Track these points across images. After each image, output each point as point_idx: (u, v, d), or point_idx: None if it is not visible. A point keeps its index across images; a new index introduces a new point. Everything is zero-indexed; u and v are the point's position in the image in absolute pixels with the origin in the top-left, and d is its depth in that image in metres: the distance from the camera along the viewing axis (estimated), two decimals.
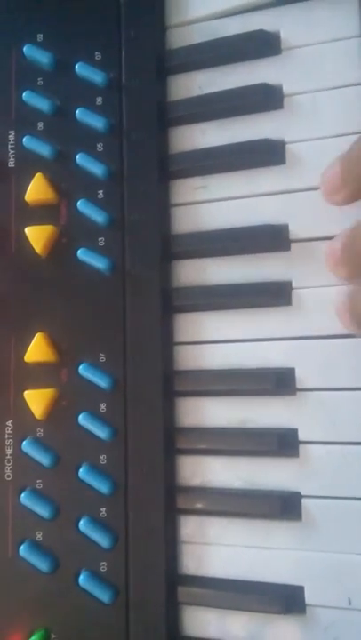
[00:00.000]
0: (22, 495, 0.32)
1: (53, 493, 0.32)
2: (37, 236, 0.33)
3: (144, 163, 0.33)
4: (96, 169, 0.33)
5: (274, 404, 0.31)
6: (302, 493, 0.30)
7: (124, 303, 0.32)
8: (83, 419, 0.32)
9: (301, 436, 0.30)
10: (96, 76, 0.34)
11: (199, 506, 0.31)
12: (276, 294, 0.31)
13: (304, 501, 0.30)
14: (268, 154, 0.31)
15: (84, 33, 0.34)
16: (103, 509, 0.31)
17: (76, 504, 0.31)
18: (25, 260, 0.33)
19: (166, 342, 0.32)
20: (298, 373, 0.30)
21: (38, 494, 0.32)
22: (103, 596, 0.30)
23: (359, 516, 0.29)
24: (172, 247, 0.33)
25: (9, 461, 0.32)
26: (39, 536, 0.32)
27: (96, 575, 0.31)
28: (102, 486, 0.31)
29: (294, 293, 0.31)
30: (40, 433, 0.32)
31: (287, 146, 0.32)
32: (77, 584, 0.31)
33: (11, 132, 0.34)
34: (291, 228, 0.31)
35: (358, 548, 0.29)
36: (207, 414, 0.32)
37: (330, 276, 0.30)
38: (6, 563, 0.31)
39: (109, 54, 0.34)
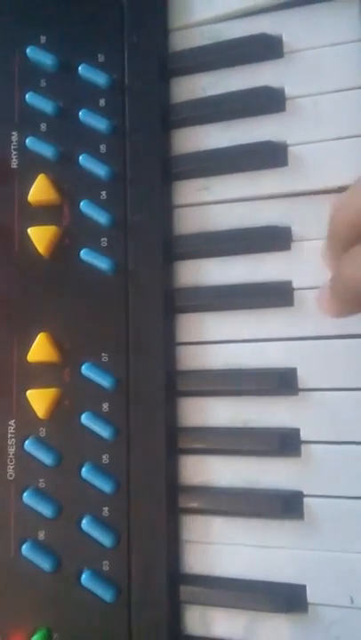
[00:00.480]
0: (25, 494, 0.32)
1: (56, 493, 0.32)
2: (40, 236, 0.33)
3: (147, 164, 0.33)
4: (99, 170, 0.33)
5: (276, 404, 0.31)
6: (304, 493, 0.30)
7: (127, 303, 0.32)
8: (85, 418, 0.32)
9: (303, 436, 0.30)
10: (99, 78, 0.34)
11: (201, 505, 0.31)
12: (278, 295, 0.31)
13: (306, 500, 0.30)
14: (270, 156, 0.32)
15: (87, 35, 0.35)
16: (105, 508, 0.31)
17: (78, 503, 0.32)
18: (28, 260, 0.34)
19: (169, 342, 0.32)
20: (300, 373, 0.31)
21: (41, 493, 0.32)
22: (105, 594, 0.31)
23: (359, 514, 0.29)
24: (174, 248, 0.33)
25: (11, 461, 0.32)
26: (41, 535, 0.32)
27: (98, 574, 0.31)
28: (105, 485, 0.31)
29: (296, 294, 0.31)
30: (42, 432, 0.32)
31: (289, 148, 0.32)
32: (80, 583, 0.31)
33: (14, 133, 0.35)
34: (293, 229, 0.31)
35: (359, 546, 0.29)
36: (209, 414, 0.32)
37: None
38: (8, 562, 0.31)
39: (112, 56, 0.34)
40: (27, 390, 0.32)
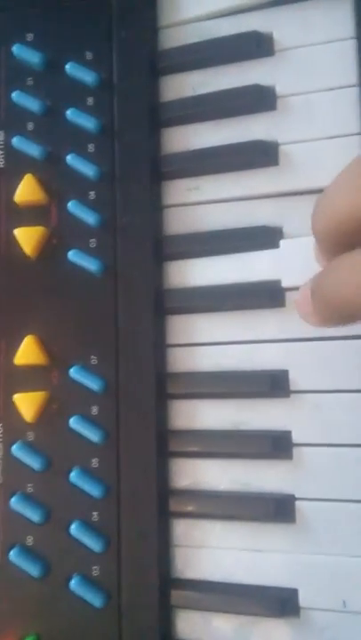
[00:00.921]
0: (12, 499, 0.31)
1: (44, 497, 0.31)
2: (27, 237, 0.33)
3: (136, 164, 0.33)
4: (87, 170, 0.33)
5: (267, 407, 0.31)
6: (296, 496, 0.30)
7: (116, 305, 0.32)
8: (74, 422, 0.31)
9: (295, 439, 0.30)
10: (87, 76, 0.33)
11: (192, 509, 0.31)
12: (269, 296, 0.31)
13: (298, 504, 0.30)
14: (261, 155, 0.31)
15: (74, 33, 0.34)
16: (95, 513, 0.31)
17: (67, 508, 0.31)
18: (15, 261, 0.33)
19: (158, 344, 0.32)
20: (292, 375, 0.30)
21: (29, 498, 0.31)
22: (95, 600, 0.30)
23: (353, 518, 0.29)
24: (164, 248, 0.33)
25: None
26: (30, 541, 0.31)
27: (88, 579, 0.30)
28: (94, 490, 0.31)
29: (288, 295, 0.31)
30: (30, 436, 0.32)
31: (280, 147, 0.32)
32: (69, 589, 0.30)
33: (0, 132, 0.34)
34: (284, 229, 0.31)
35: (352, 550, 0.28)
36: (200, 417, 0.32)
37: None
38: None
39: (101, 54, 0.34)
40: (14, 394, 0.32)
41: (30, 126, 0.34)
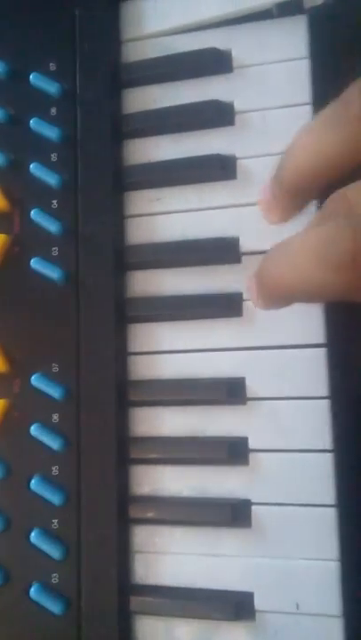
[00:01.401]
0: None
1: (4, 505, 0.31)
2: None
3: (98, 174, 0.33)
4: (50, 179, 0.33)
5: (225, 414, 0.31)
6: (252, 501, 0.30)
7: (78, 313, 0.32)
8: (35, 429, 0.32)
9: (252, 445, 0.31)
10: (50, 87, 0.34)
11: (151, 515, 0.31)
12: (227, 306, 0.32)
13: (254, 508, 0.30)
14: (219, 169, 0.32)
15: (38, 43, 0.34)
16: (55, 521, 0.31)
17: (27, 516, 0.31)
18: None
19: (120, 352, 0.32)
20: (248, 383, 0.31)
21: None
22: (55, 607, 0.30)
23: (306, 521, 0.29)
24: (125, 258, 0.33)
25: None
26: None
27: (47, 587, 0.31)
28: (54, 497, 0.31)
29: (245, 305, 0.32)
30: None
31: (238, 161, 0.32)
32: (28, 596, 0.30)
33: None
34: (241, 241, 0.32)
35: (305, 553, 0.29)
36: (160, 424, 0.32)
37: None
38: None
39: (64, 65, 0.34)
40: None
41: None
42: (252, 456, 0.31)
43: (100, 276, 0.32)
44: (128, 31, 0.35)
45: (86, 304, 0.32)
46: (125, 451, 0.32)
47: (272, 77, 0.32)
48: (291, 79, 0.32)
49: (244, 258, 0.32)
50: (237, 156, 0.32)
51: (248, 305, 0.32)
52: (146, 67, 0.34)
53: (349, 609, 0.29)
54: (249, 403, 0.31)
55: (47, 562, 0.31)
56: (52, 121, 0.34)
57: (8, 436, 0.32)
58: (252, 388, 0.31)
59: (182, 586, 0.31)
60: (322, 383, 0.30)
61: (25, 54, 0.34)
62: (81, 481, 0.31)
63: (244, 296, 0.32)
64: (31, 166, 0.33)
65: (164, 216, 0.33)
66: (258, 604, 0.30)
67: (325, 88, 0.32)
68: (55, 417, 0.32)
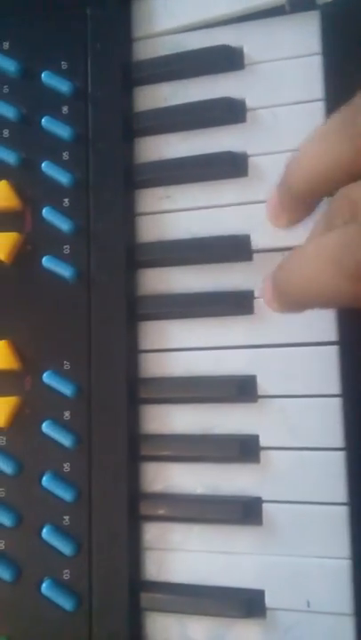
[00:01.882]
0: None
1: (16, 502, 0.32)
2: (2, 243, 0.33)
3: (109, 172, 0.33)
4: (61, 177, 0.33)
5: (236, 411, 0.31)
6: (263, 498, 0.30)
7: (89, 311, 0.32)
8: (46, 427, 0.32)
9: (263, 442, 0.31)
10: (62, 86, 0.34)
11: (162, 512, 0.31)
12: (238, 303, 0.32)
13: (265, 506, 0.30)
14: (230, 166, 0.32)
15: (50, 42, 0.35)
16: (66, 517, 0.31)
17: (38, 512, 0.31)
18: None
19: (131, 350, 0.32)
20: (259, 381, 0.31)
21: (1, 503, 0.32)
22: (66, 603, 0.30)
23: (318, 519, 0.29)
24: (136, 256, 0.33)
25: None
26: (1, 545, 0.31)
27: (59, 583, 0.31)
28: (65, 494, 0.31)
29: (256, 302, 0.32)
30: (3, 441, 0.32)
31: (249, 159, 0.32)
32: (40, 592, 0.31)
33: None
34: (253, 238, 0.32)
35: (317, 551, 0.29)
36: (171, 421, 0.32)
37: None
38: None
39: (75, 64, 0.34)
40: None
41: (6, 133, 0.34)
42: (263, 454, 0.31)
43: (111, 274, 0.32)
44: (139, 29, 0.35)
45: (97, 302, 0.32)
46: (136, 448, 0.32)
47: (284, 74, 0.32)
48: (303, 76, 0.32)
49: (255, 255, 0.32)
50: (249, 153, 0.32)
51: (259, 302, 0.32)
52: (157, 65, 0.34)
53: None
54: (260, 400, 0.31)
55: (58, 558, 0.31)
56: (63, 119, 0.34)
57: (20, 433, 0.32)
58: (263, 385, 0.31)
59: (193, 583, 0.31)
60: (334, 381, 0.30)
61: (36, 53, 0.35)
62: (92, 478, 0.31)
63: (256, 294, 0.32)
64: (43, 165, 0.34)
65: (175, 214, 0.33)
66: (269, 601, 0.30)
67: (338, 84, 0.31)
68: (67, 414, 0.32)
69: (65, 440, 0.31)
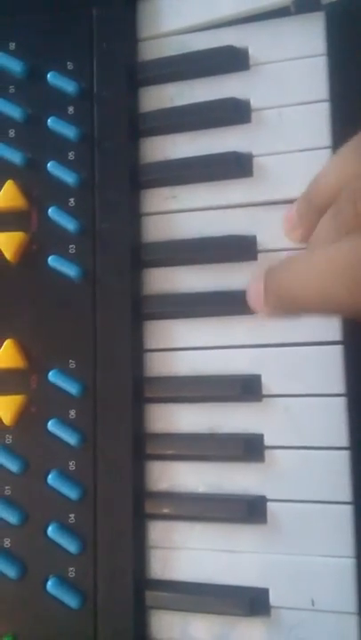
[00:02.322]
0: None
1: (22, 500, 0.32)
2: (8, 242, 0.33)
3: (115, 172, 0.33)
4: (67, 177, 0.33)
5: (240, 410, 0.31)
6: (268, 497, 0.30)
7: (95, 310, 0.33)
8: (52, 425, 0.32)
9: (267, 442, 0.31)
10: (68, 86, 0.34)
11: (167, 511, 0.31)
12: (243, 303, 0.32)
13: (269, 505, 0.30)
14: (236, 166, 0.32)
15: (56, 42, 0.35)
16: (72, 515, 0.31)
17: (44, 510, 0.32)
18: None
19: (136, 349, 0.33)
20: (264, 380, 0.31)
21: (6, 501, 0.32)
22: (71, 601, 0.31)
23: (322, 518, 0.29)
24: (142, 255, 0.33)
25: None
26: (7, 543, 0.32)
27: (64, 581, 0.31)
28: (71, 492, 0.31)
29: None
30: (9, 439, 0.32)
31: (255, 159, 0.32)
32: (45, 590, 0.31)
33: None
34: (258, 238, 0.32)
35: (321, 550, 0.29)
36: (176, 420, 0.32)
37: None
38: None
39: (81, 64, 0.34)
40: None
41: (12, 133, 0.35)
42: (267, 453, 0.31)
43: (116, 274, 0.33)
44: (145, 30, 0.35)
45: (103, 301, 0.33)
46: (141, 447, 0.32)
47: (289, 74, 0.32)
48: (308, 76, 0.32)
49: (260, 256, 0.32)
50: (254, 153, 0.32)
51: None
52: (162, 65, 0.34)
53: None
54: (264, 400, 0.31)
55: (64, 556, 0.31)
56: (69, 120, 0.34)
57: (26, 431, 0.32)
58: (268, 385, 0.31)
59: (197, 581, 0.31)
60: (338, 380, 0.30)
61: (42, 53, 0.35)
62: (97, 476, 0.31)
63: None
64: (48, 165, 0.34)
65: (181, 214, 0.33)
66: (273, 600, 0.30)
67: (343, 85, 0.32)
68: (72, 413, 0.32)
69: (70, 438, 0.32)
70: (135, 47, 0.35)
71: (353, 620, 0.29)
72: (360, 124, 0.26)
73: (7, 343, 0.33)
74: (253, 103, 0.33)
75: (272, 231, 0.32)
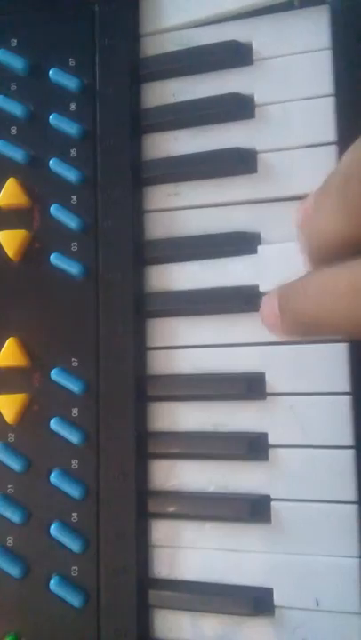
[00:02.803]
0: None
1: (25, 498, 0.32)
2: (10, 240, 0.33)
3: (117, 169, 0.33)
4: (69, 174, 0.33)
5: (244, 409, 0.31)
6: (272, 496, 0.30)
7: (97, 308, 0.32)
8: (54, 423, 0.32)
9: (271, 440, 0.31)
10: (70, 82, 0.34)
11: (170, 510, 0.31)
12: (247, 300, 0.31)
13: (273, 504, 0.30)
14: (239, 162, 0.32)
15: (58, 39, 0.35)
16: (74, 514, 0.31)
17: (47, 509, 0.31)
18: None
19: (139, 347, 0.32)
20: (268, 378, 0.31)
21: (9, 499, 0.32)
22: (74, 600, 0.31)
23: (326, 518, 0.29)
24: (144, 253, 0.33)
25: None
26: (10, 541, 0.31)
27: (67, 580, 0.31)
28: (74, 491, 0.31)
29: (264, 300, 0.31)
30: (11, 438, 0.32)
31: (258, 155, 0.32)
32: (48, 589, 0.31)
33: None
34: (262, 235, 0.32)
35: (325, 549, 0.29)
36: (179, 418, 0.32)
37: None
38: None
39: (83, 61, 0.34)
40: None
41: (14, 131, 0.34)
42: (271, 452, 0.30)
43: (119, 271, 0.32)
44: (147, 25, 0.35)
45: (105, 299, 0.32)
46: (144, 445, 0.32)
47: (293, 69, 0.32)
48: (312, 71, 0.32)
49: (263, 252, 0.32)
50: (258, 149, 0.32)
51: None
52: (165, 60, 0.34)
53: None
54: (269, 398, 0.31)
55: (67, 555, 0.31)
56: (71, 116, 0.34)
57: (28, 429, 0.32)
58: (272, 383, 0.31)
59: (201, 580, 0.31)
60: (343, 379, 0.30)
61: (44, 50, 0.35)
62: (100, 475, 0.31)
63: (263, 290, 0.31)
64: (51, 162, 0.34)
65: (184, 211, 0.33)
66: (277, 599, 0.29)
67: (348, 79, 0.31)
68: (75, 411, 0.32)
69: (73, 437, 0.32)
70: (137, 43, 0.35)
71: (357, 620, 0.28)
72: None
73: (9, 341, 0.32)
74: (257, 98, 0.32)
75: (276, 228, 0.31)
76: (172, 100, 0.34)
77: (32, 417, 0.32)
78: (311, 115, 0.31)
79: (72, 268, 0.33)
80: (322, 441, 0.30)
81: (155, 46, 0.34)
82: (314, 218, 0.23)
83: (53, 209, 0.33)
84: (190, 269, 0.33)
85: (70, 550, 0.31)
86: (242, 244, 0.32)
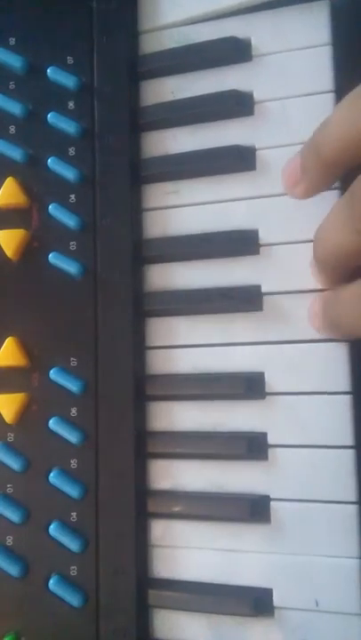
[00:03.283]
0: None
1: (24, 498, 0.32)
2: (8, 239, 0.33)
3: (116, 167, 0.33)
4: (68, 173, 0.33)
5: (244, 408, 0.31)
6: (271, 496, 0.30)
7: (96, 307, 0.32)
8: (53, 423, 0.32)
9: (271, 440, 0.30)
10: (68, 81, 0.34)
11: (170, 509, 0.31)
12: (246, 300, 0.31)
13: (273, 504, 0.30)
14: (238, 160, 0.32)
15: (56, 37, 0.34)
16: (74, 514, 0.31)
17: (46, 508, 0.31)
18: None
19: (137, 346, 0.32)
20: (267, 378, 0.31)
21: (8, 499, 0.32)
22: (73, 600, 0.30)
23: (326, 518, 0.29)
24: (143, 252, 0.33)
25: None
26: (9, 541, 0.31)
27: (66, 579, 0.31)
28: (73, 491, 0.31)
29: (265, 299, 0.31)
30: (10, 437, 0.32)
31: (258, 152, 0.32)
32: (47, 588, 0.31)
33: None
34: (261, 233, 0.31)
35: (325, 550, 0.29)
36: (178, 418, 0.32)
37: (299, 281, 0.30)
38: None
39: (81, 59, 0.34)
40: None
41: (12, 130, 0.34)
42: (271, 451, 0.30)
43: (117, 270, 0.32)
44: (145, 22, 0.34)
45: (104, 298, 0.32)
46: (143, 445, 0.32)
47: (293, 65, 0.32)
48: (312, 67, 0.31)
49: (263, 250, 0.31)
50: (257, 146, 0.32)
51: (268, 299, 0.31)
52: (163, 58, 0.34)
53: None
54: (268, 397, 0.31)
55: (66, 554, 0.31)
56: (69, 115, 0.34)
57: (27, 429, 0.32)
58: (272, 382, 0.31)
59: (200, 581, 0.31)
60: (343, 378, 0.30)
61: (42, 48, 0.34)
62: (99, 474, 0.31)
63: (264, 290, 0.31)
64: (49, 161, 0.33)
65: (183, 209, 0.33)
66: (277, 600, 0.29)
67: (348, 75, 0.31)
68: (73, 411, 0.32)
69: (72, 437, 0.31)
70: (135, 40, 0.34)
71: (357, 620, 0.28)
72: None
73: (8, 341, 0.32)
74: (256, 95, 0.32)
75: (275, 226, 0.31)
76: (170, 97, 0.33)
77: (31, 417, 0.32)
78: (311, 111, 0.31)
79: (71, 267, 0.33)
80: (322, 441, 0.30)
81: (153, 43, 0.34)
82: (327, 239, 0.24)
83: (52, 208, 0.33)
84: (189, 268, 0.33)
85: (69, 550, 0.31)
86: (241, 242, 0.31)
